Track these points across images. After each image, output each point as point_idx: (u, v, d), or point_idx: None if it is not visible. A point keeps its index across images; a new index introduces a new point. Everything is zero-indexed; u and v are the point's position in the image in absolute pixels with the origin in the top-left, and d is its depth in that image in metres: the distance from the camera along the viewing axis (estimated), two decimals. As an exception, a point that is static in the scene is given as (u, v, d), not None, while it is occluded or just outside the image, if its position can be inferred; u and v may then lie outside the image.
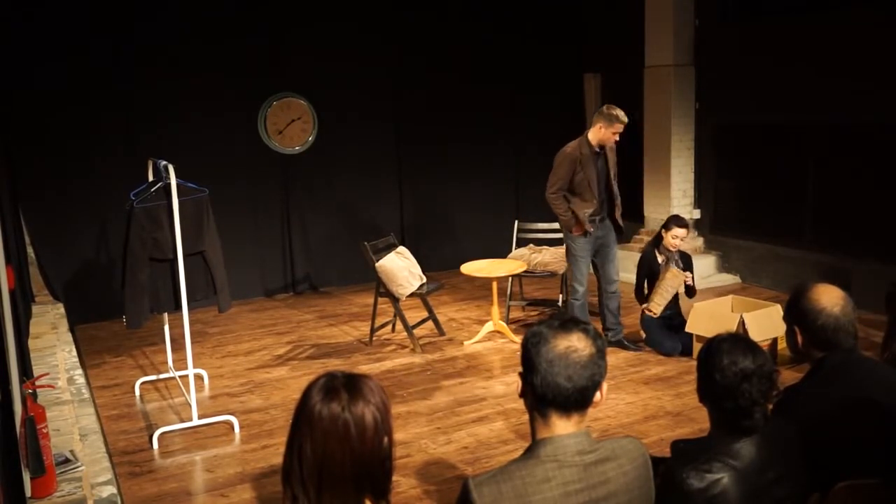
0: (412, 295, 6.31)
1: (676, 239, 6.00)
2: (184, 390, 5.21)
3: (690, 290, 6.06)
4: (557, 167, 5.81)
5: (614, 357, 5.92)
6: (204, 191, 4.85)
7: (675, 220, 6.05)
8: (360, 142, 8.37)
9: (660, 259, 6.07)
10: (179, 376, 5.39)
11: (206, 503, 4.04)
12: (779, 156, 7.64)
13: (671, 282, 5.93)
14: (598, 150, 5.79)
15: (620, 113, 5.66)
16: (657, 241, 6.13)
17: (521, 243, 7.33)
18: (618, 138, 5.76)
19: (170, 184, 4.50)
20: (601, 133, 5.71)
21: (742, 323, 5.50)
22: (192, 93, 7.49)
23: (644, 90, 8.47)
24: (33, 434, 3.30)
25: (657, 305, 5.97)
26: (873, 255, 6.72)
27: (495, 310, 6.52)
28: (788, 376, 4.22)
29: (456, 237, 8.87)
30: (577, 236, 5.90)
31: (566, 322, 1.89)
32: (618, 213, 6.03)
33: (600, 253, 6.06)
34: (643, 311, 6.14)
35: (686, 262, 6.14)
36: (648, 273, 6.11)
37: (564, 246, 6.15)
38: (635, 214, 8.85)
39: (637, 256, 6.47)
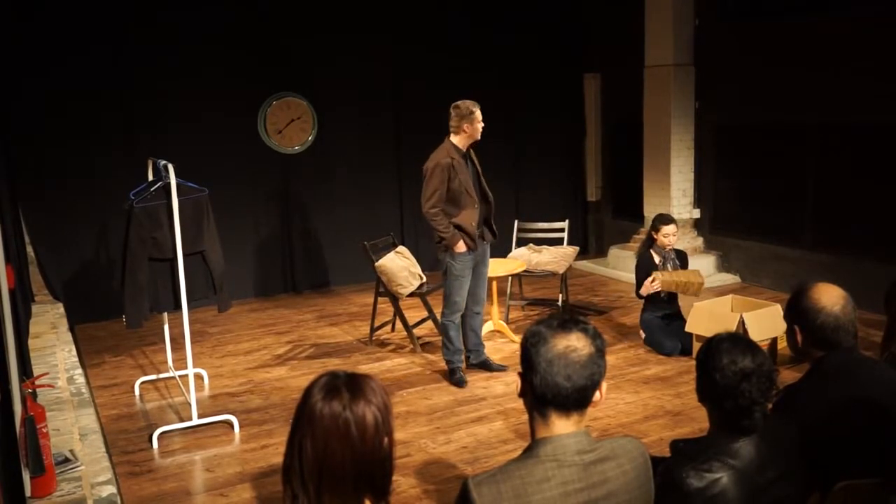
0: (412, 294, 6.31)
1: (668, 237, 6.02)
2: (183, 390, 5.21)
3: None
4: (430, 178, 5.28)
5: (614, 357, 5.93)
6: (204, 190, 4.86)
7: (661, 220, 6.09)
8: (360, 142, 8.38)
9: (656, 259, 6.08)
10: (179, 376, 5.39)
11: (205, 503, 4.04)
12: (779, 155, 7.64)
13: (694, 279, 5.92)
14: (466, 153, 5.38)
15: (469, 102, 5.26)
16: (650, 241, 6.14)
17: (521, 243, 7.33)
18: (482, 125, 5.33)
19: (169, 183, 4.50)
20: (470, 130, 5.28)
21: (742, 323, 5.50)
22: (192, 93, 7.49)
23: (644, 90, 8.47)
24: (33, 434, 3.30)
25: (666, 284, 5.93)
26: (873, 255, 6.72)
27: (495, 309, 6.52)
28: (788, 376, 4.23)
29: (456, 237, 8.86)
30: (460, 254, 5.34)
31: (565, 322, 1.89)
32: (492, 219, 5.55)
33: (475, 271, 5.52)
34: (643, 312, 6.15)
35: (682, 260, 6.16)
36: (647, 275, 6.11)
37: (445, 266, 5.43)
38: (635, 214, 8.86)
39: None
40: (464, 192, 5.32)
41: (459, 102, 5.32)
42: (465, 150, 5.38)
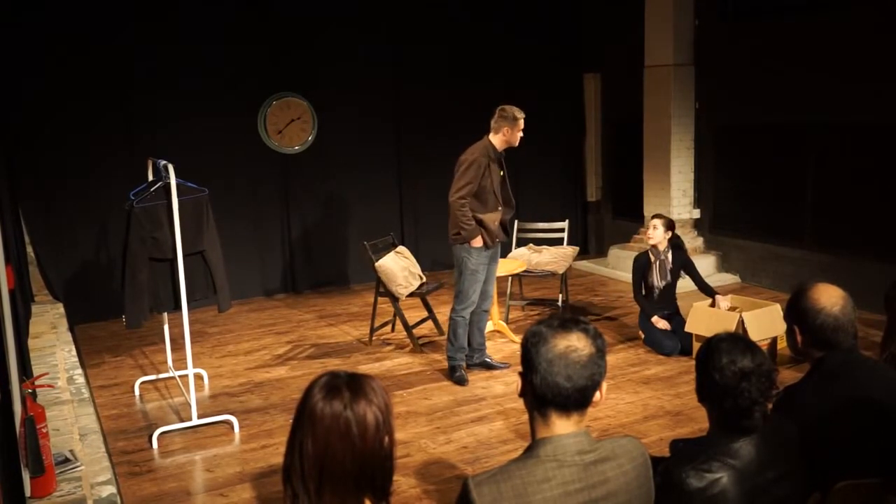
0: (412, 294, 6.31)
1: (648, 230, 6.09)
2: (183, 390, 5.21)
3: (710, 291, 6.04)
4: (466, 170, 5.31)
5: (614, 357, 5.93)
6: (203, 190, 4.86)
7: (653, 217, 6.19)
8: (359, 141, 8.38)
9: (652, 259, 6.09)
10: (179, 376, 5.39)
11: (205, 503, 4.04)
12: (779, 156, 7.64)
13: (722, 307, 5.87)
14: (499, 155, 5.45)
15: (516, 109, 5.34)
16: None
17: (521, 243, 7.34)
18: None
19: (169, 183, 4.50)
20: (509, 135, 5.34)
21: (741, 322, 5.50)
22: (192, 93, 7.49)
23: (644, 90, 8.48)
24: (33, 434, 3.30)
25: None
26: (873, 255, 6.72)
27: (495, 310, 6.51)
28: (788, 376, 4.23)
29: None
30: (476, 248, 5.40)
31: (566, 322, 1.89)
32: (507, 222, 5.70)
33: (487, 268, 5.60)
34: (642, 312, 6.15)
35: (677, 262, 6.08)
36: (642, 274, 6.12)
37: (460, 260, 5.46)
38: (635, 214, 8.86)
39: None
40: (491, 194, 5.42)
41: (506, 106, 5.39)
42: (500, 151, 5.45)
